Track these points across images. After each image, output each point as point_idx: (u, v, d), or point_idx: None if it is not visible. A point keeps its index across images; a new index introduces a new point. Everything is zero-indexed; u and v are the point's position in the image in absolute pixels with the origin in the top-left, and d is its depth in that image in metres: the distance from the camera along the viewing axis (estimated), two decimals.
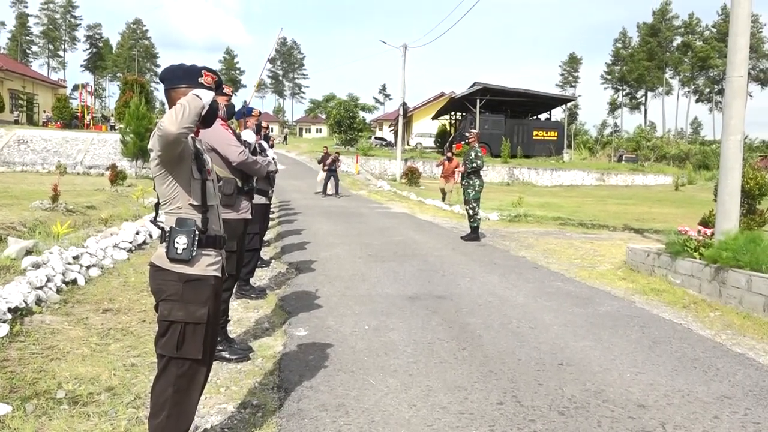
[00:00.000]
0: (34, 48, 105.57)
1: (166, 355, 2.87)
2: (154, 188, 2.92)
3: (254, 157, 4.96)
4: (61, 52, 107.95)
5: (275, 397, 3.95)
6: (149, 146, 2.82)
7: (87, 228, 10.00)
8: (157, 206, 3.00)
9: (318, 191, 23.11)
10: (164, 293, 2.85)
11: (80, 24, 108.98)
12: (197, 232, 2.86)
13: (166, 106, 2.99)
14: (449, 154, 21.24)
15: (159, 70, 3.10)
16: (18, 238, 7.81)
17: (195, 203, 2.89)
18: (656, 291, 7.49)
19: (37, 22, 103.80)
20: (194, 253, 2.84)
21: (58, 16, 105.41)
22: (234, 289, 5.76)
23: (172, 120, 2.61)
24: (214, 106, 2.83)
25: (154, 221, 3.06)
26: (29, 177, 24.62)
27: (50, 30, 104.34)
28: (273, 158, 7.01)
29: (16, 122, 42.51)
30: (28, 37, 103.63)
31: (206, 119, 2.82)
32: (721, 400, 4.07)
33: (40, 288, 5.79)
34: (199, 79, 2.90)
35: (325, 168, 23.01)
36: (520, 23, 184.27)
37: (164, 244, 2.86)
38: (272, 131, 66.56)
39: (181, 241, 2.82)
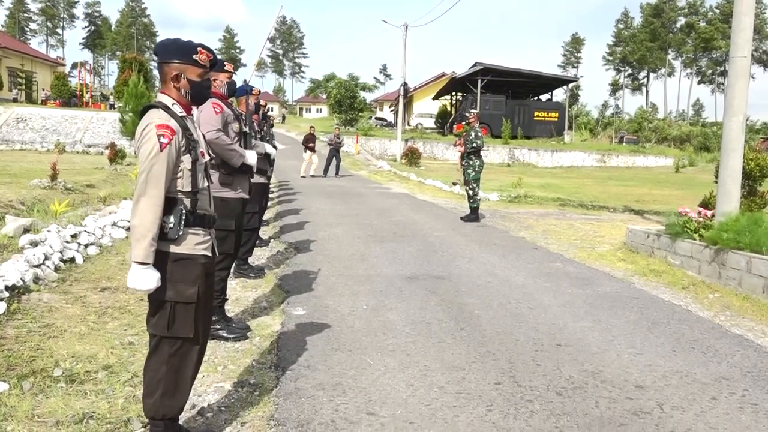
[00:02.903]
0: (33, 25, 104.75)
1: (157, 335, 2.87)
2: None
3: (230, 144, 4.77)
4: (59, 30, 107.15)
5: (272, 376, 3.95)
6: (144, 152, 2.74)
7: (85, 206, 9.98)
8: None
9: (303, 175, 21.97)
10: None
11: (78, 1, 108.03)
12: (184, 212, 2.83)
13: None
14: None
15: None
16: (16, 216, 7.79)
17: (185, 190, 2.87)
18: (655, 272, 7.47)
19: None
20: (181, 232, 2.82)
21: None
22: (232, 269, 5.75)
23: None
24: (206, 85, 2.92)
25: None
26: (28, 155, 24.57)
27: (48, 7, 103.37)
28: (274, 143, 6.92)
29: (15, 100, 42.26)
30: (26, 15, 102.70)
31: (197, 98, 2.92)
32: (719, 381, 4.07)
33: (38, 266, 5.78)
34: (194, 56, 2.88)
35: (330, 146, 22.51)
36: (523, 3, 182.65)
37: None
38: (272, 110, 66.27)
39: (168, 221, 2.79)
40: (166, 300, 2.81)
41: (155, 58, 2.99)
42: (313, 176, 21.98)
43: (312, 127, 23.70)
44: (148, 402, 2.89)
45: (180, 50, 2.90)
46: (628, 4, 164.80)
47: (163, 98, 2.91)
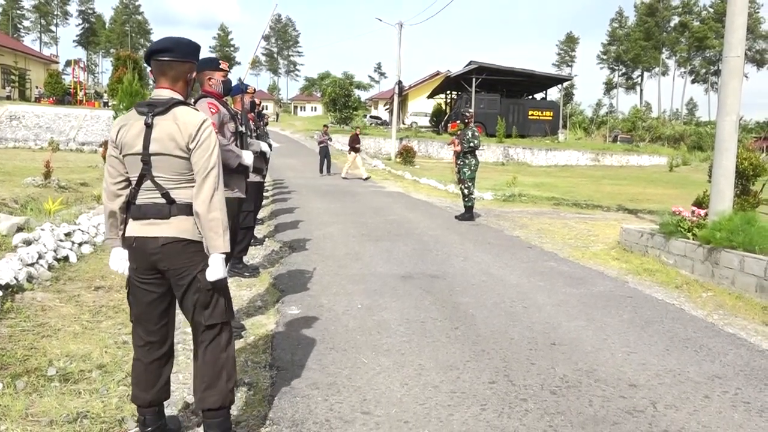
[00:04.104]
0: (26, 23, 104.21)
1: (217, 323, 2.92)
2: (151, 171, 2.82)
3: (227, 144, 4.72)
4: (53, 27, 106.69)
5: (267, 376, 3.95)
6: (210, 147, 2.84)
7: (79, 205, 9.94)
8: (143, 179, 2.90)
9: (344, 176, 21.39)
10: (201, 263, 2.87)
11: None
12: None
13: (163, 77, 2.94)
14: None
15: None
16: (9, 215, 7.75)
17: None
18: (649, 271, 7.50)
19: None
20: None
21: None
22: (227, 267, 5.73)
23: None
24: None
25: (166, 195, 2.84)
26: (21, 153, 24.44)
27: (42, 4, 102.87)
28: (269, 142, 6.91)
29: (8, 98, 42.03)
30: (19, 11, 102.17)
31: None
32: (712, 380, 4.09)
33: (32, 265, 5.76)
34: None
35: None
36: (517, 1, 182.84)
37: (185, 216, 2.84)
38: (267, 109, 66.14)
39: None
40: (222, 286, 2.91)
41: (169, 54, 2.88)
42: (361, 178, 21.19)
43: (357, 128, 23.41)
44: (214, 391, 2.92)
45: (197, 53, 3.02)
46: (622, 3, 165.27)
47: (178, 97, 2.91)
